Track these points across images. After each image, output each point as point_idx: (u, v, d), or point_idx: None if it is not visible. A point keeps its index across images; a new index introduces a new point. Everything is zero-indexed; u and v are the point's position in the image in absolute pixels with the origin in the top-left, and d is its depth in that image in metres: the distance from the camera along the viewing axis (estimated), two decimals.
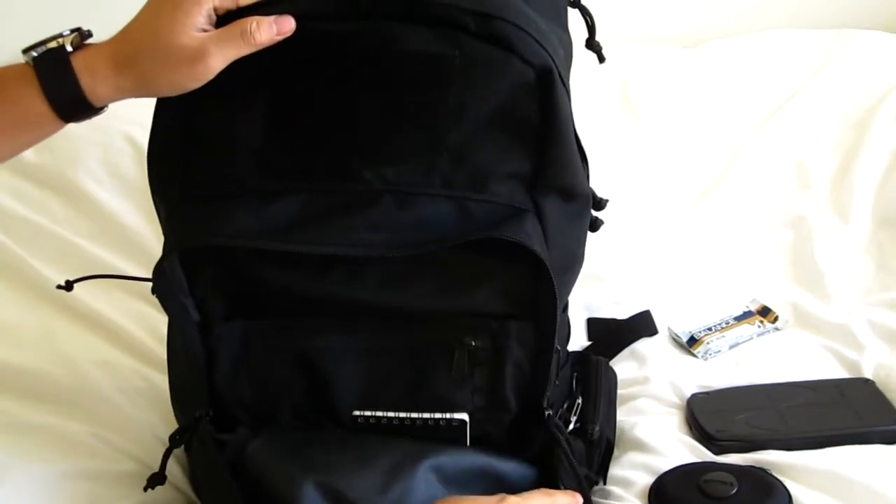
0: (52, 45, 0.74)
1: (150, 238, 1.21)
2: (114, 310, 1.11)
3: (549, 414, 0.82)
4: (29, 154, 1.29)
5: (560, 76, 0.77)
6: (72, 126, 1.42)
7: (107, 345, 1.08)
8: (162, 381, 1.01)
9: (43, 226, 1.22)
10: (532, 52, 0.76)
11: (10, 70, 0.75)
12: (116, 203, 1.25)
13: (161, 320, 1.10)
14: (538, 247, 0.76)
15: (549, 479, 0.84)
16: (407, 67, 0.76)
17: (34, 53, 0.74)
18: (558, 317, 0.80)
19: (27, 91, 0.74)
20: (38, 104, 0.74)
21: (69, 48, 0.74)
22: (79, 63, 0.74)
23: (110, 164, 1.28)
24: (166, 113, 0.79)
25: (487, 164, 0.77)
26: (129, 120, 1.31)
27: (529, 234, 0.76)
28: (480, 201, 0.77)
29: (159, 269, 0.77)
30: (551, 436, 0.82)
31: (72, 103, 0.74)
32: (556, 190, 0.79)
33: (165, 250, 0.78)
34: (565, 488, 0.83)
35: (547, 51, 0.76)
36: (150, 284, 0.79)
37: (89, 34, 0.76)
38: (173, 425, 0.92)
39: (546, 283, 0.77)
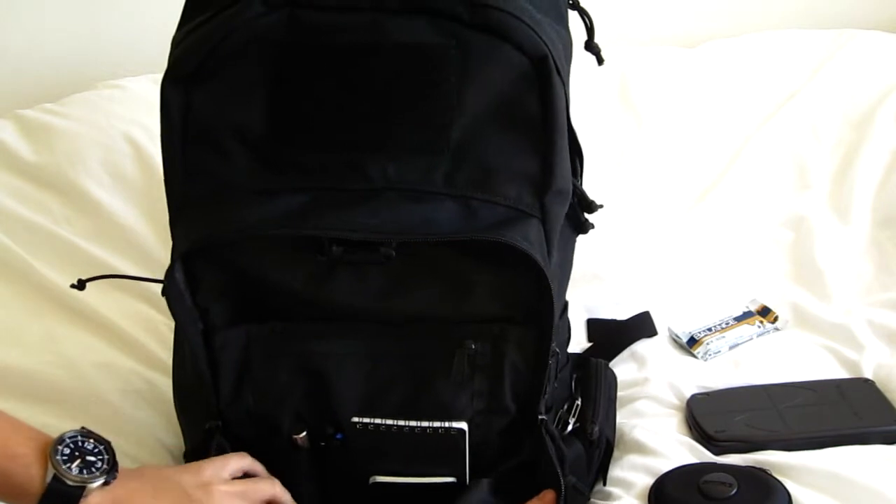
0: (71, 483, 0.70)
1: (150, 238, 1.21)
2: (115, 311, 1.11)
3: (542, 419, 0.82)
4: (29, 154, 1.29)
5: (556, 66, 0.76)
6: (72, 126, 1.42)
7: (107, 346, 1.08)
8: (162, 382, 1.01)
9: (43, 226, 1.22)
10: (527, 40, 0.75)
11: (23, 444, 0.71)
12: (116, 203, 1.24)
13: (162, 322, 1.10)
14: (539, 256, 0.75)
15: (539, 485, 0.83)
16: (404, 59, 0.75)
17: (54, 470, 0.70)
18: (555, 324, 0.80)
19: (24, 480, 0.70)
20: (25, 497, 0.70)
21: (89, 488, 0.71)
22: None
23: (110, 164, 1.27)
24: (170, 111, 0.78)
25: (492, 161, 0.76)
26: (129, 120, 1.31)
27: (532, 241, 0.76)
28: (485, 201, 0.76)
29: (170, 274, 0.77)
30: (540, 441, 0.82)
31: None
32: (559, 192, 0.78)
33: (174, 255, 0.77)
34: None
35: (542, 39, 0.76)
36: (150, 285, 0.79)
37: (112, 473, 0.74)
38: (174, 427, 0.92)
39: (545, 292, 0.77)
